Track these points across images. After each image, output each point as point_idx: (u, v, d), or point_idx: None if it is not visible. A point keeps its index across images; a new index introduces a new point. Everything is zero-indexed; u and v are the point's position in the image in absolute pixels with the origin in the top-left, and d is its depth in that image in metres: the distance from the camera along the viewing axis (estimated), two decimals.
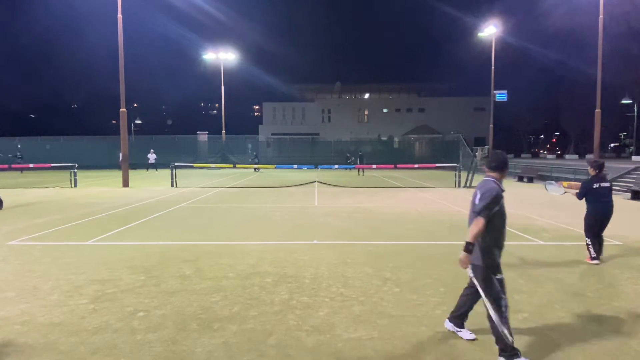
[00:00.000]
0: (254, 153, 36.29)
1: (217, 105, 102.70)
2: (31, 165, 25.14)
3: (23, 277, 5.96)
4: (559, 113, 56.21)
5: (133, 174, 26.07)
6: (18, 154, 32.40)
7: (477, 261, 3.55)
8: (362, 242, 8.19)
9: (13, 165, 24.36)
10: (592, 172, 6.75)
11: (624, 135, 65.87)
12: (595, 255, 6.56)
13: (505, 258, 6.85)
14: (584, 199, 6.70)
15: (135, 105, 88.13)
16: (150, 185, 20.96)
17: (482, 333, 4.12)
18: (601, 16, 20.15)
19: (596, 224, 6.60)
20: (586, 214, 6.71)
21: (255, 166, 28.86)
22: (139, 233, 9.13)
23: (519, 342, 3.94)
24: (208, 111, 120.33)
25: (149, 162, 33.05)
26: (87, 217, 11.14)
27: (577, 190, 6.80)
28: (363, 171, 29.85)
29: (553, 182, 7.41)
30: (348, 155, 36.31)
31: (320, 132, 60.33)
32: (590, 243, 6.59)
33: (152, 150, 33.78)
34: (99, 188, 19.64)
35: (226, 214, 11.95)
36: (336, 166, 28.24)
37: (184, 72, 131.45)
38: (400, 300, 5.02)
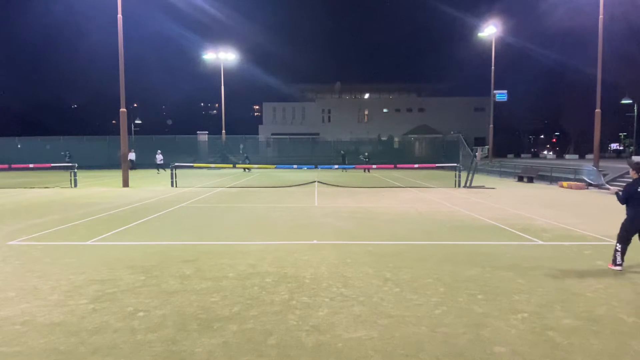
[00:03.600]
0: (245, 154, 36.66)
1: (217, 105, 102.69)
2: (31, 165, 25.15)
3: (23, 277, 5.95)
4: (559, 113, 56.26)
5: (133, 174, 26.07)
6: (67, 154, 32.99)
7: None
8: (362, 242, 8.18)
9: (13, 165, 24.33)
10: (633, 174, 6.17)
11: (624, 135, 65.93)
12: (620, 262, 6.19)
13: (505, 258, 6.91)
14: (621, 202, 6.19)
15: (135, 105, 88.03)
16: (150, 186, 20.96)
17: (481, 333, 4.13)
18: (601, 16, 20.16)
19: (634, 230, 6.09)
20: (625, 220, 6.18)
21: (246, 166, 29.40)
22: (139, 233, 9.12)
23: (519, 341, 3.94)
24: (208, 111, 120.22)
25: (157, 162, 33.03)
26: (87, 217, 11.14)
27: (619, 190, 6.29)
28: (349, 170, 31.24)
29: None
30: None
31: (320, 132, 60.31)
32: (620, 250, 6.17)
33: (159, 150, 33.79)
34: (99, 188, 19.64)
35: (226, 214, 11.95)
36: (336, 166, 28.30)
37: (184, 72, 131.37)
38: (400, 300, 5.02)
